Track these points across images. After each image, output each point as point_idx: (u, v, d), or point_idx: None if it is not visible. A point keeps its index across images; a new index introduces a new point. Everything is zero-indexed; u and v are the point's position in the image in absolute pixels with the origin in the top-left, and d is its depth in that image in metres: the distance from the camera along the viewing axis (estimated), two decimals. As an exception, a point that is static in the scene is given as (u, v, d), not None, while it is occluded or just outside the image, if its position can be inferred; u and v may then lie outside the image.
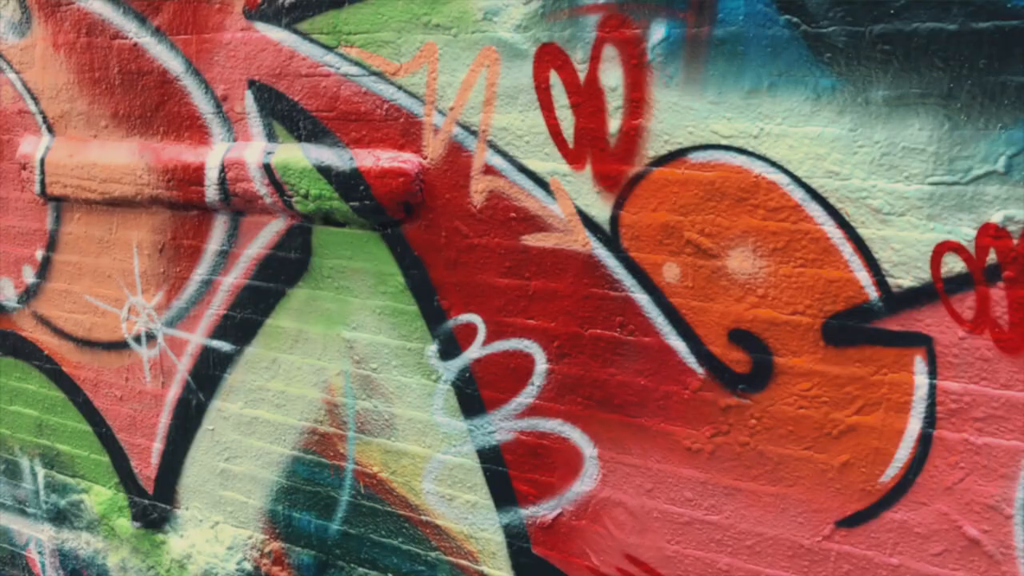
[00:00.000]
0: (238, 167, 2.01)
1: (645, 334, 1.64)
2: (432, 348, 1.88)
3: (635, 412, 1.68)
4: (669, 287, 1.60)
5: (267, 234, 2.06)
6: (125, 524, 2.48)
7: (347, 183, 1.86)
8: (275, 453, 2.17)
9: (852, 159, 1.42)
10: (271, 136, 1.99)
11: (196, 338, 2.24)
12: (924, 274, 1.39)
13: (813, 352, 1.50)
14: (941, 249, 1.38)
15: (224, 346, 2.19)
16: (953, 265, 1.37)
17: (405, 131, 1.82)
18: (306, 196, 1.93)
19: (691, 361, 1.61)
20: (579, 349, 1.71)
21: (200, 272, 2.19)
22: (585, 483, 1.76)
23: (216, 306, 2.18)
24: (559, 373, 1.74)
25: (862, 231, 1.43)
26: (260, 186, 1.99)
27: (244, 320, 2.15)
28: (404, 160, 1.81)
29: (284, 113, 1.96)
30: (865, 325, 1.45)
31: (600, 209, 1.64)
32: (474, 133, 1.74)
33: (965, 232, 1.36)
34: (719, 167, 1.52)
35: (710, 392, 1.60)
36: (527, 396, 1.79)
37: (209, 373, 2.23)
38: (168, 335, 2.28)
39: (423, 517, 1.98)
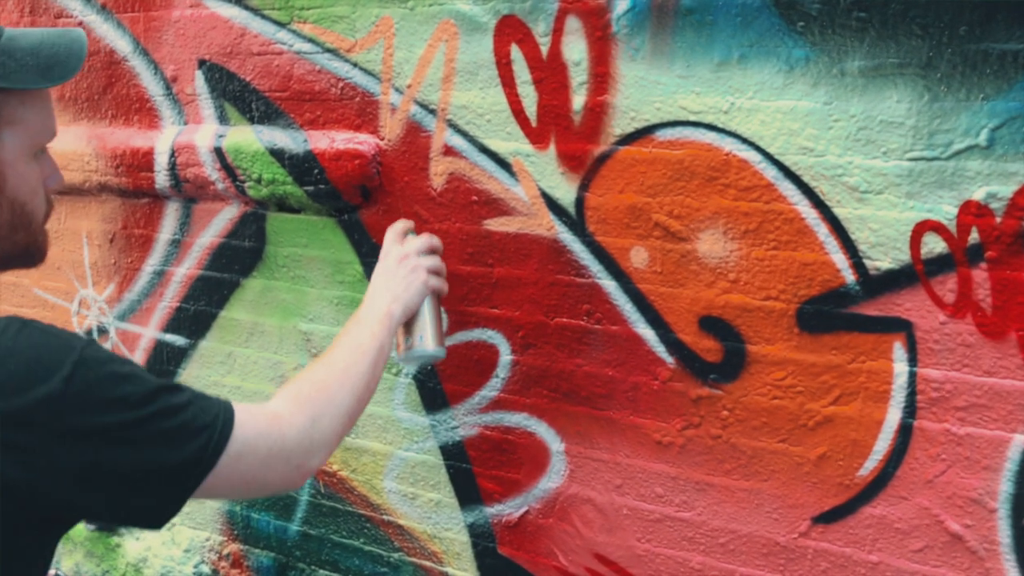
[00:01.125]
0: (188, 151, 1.91)
1: (613, 322, 1.56)
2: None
3: (603, 404, 1.60)
4: (637, 272, 1.52)
5: (220, 222, 1.96)
6: (79, 527, 2.38)
7: (301, 166, 1.77)
8: (232, 451, 2.07)
9: (827, 134, 1.34)
10: (223, 118, 1.90)
11: (149, 332, 2.14)
12: (903, 255, 1.32)
13: (787, 339, 1.42)
14: (921, 229, 1.30)
15: (178, 340, 2.10)
16: (933, 245, 1.30)
17: (361, 111, 1.73)
18: (259, 181, 1.83)
19: (660, 350, 1.53)
20: (545, 339, 1.63)
21: (152, 263, 2.09)
22: (552, 479, 1.68)
23: (169, 298, 2.08)
24: (524, 364, 1.66)
25: (838, 211, 1.35)
26: (211, 171, 1.89)
27: (198, 313, 2.05)
28: (360, 141, 1.72)
29: (236, 94, 1.87)
30: (841, 310, 1.38)
31: (565, 191, 1.56)
32: (433, 112, 1.65)
33: (946, 210, 1.28)
34: (688, 145, 1.44)
35: (680, 383, 1.52)
36: (491, 389, 1.71)
37: (163, 368, 2.14)
38: (120, 329, 2.18)
39: (385, 517, 1.90)
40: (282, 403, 1.14)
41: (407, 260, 1.42)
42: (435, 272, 1.45)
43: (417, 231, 1.71)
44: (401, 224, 1.52)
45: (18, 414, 0.90)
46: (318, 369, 1.22)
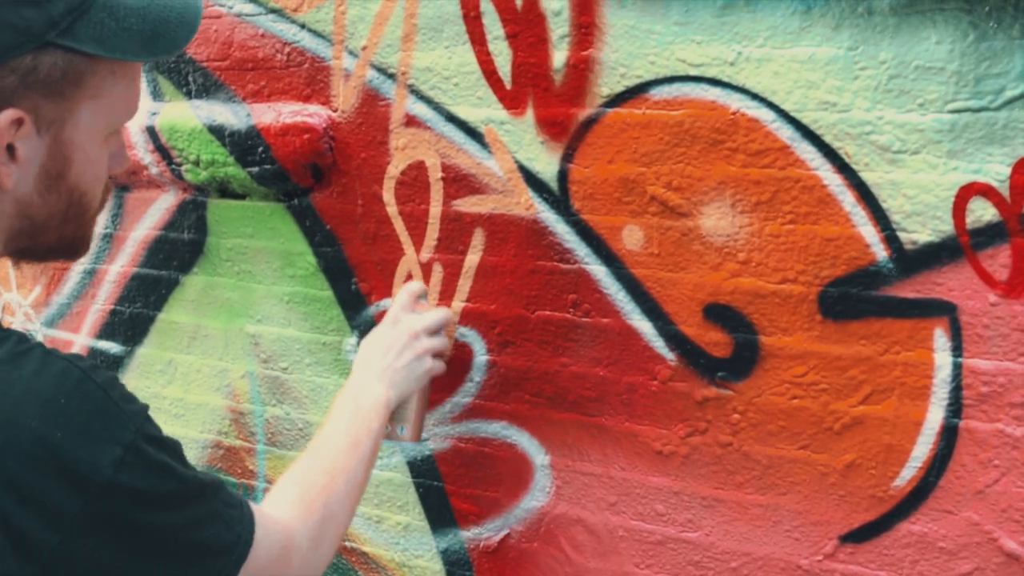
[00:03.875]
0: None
1: (603, 315, 1.35)
2: (351, 341, 1.58)
3: (593, 410, 1.39)
4: (631, 256, 1.32)
5: (155, 212, 1.74)
6: None
7: (243, 144, 1.55)
8: (175, 472, 1.84)
9: (852, 85, 1.14)
10: (156, 93, 1.68)
11: (81, 339, 1.91)
12: (945, 226, 1.12)
13: (808, 328, 1.22)
14: (966, 193, 1.11)
15: (113, 347, 1.87)
16: (981, 213, 1.10)
17: (311, 79, 1.51)
18: (197, 163, 1.61)
19: (659, 345, 1.32)
20: (525, 336, 1.42)
21: (82, 261, 1.87)
22: (536, 498, 1.46)
23: (102, 300, 1.86)
24: (502, 366, 1.45)
25: (866, 175, 1.16)
26: (144, 153, 1.67)
27: (133, 316, 1.83)
28: (310, 113, 1.50)
29: (170, 66, 1.65)
30: (872, 293, 1.18)
31: (545, 163, 1.35)
32: (392, 77, 1.44)
33: (996, 171, 1.09)
34: (688, 103, 1.24)
35: (683, 382, 1.31)
36: (465, 395, 1.49)
37: (97, 380, 1.90)
38: (49, 336, 1.95)
39: (347, 543, 1.68)
40: (295, 520, 1.04)
41: (416, 342, 1.30)
42: (439, 354, 1.35)
43: (377, 215, 1.50)
44: (416, 286, 1.37)
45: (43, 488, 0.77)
46: (321, 471, 1.13)
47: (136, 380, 1.86)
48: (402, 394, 1.29)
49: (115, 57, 0.81)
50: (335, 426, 1.20)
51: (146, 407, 0.88)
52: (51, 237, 0.87)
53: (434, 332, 1.33)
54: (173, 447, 0.88)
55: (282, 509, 1.05)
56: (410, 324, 1.30)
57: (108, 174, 0.89)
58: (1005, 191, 1.09)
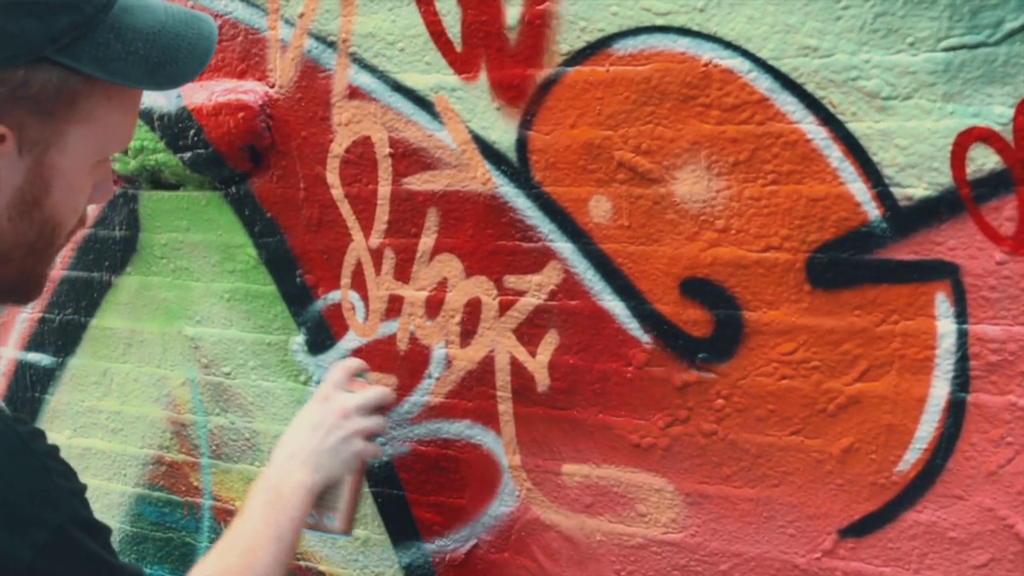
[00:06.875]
0: (40, 122, 1.56)
1: (571, 296, 1.24)
2: (298, 340, 1.45)
3: (563, 402, 1.27)
4: (599, 229, 1.20)
5: (84, 208, 1.61)
6: None
7: (174, 128, 1.43)
8: (115, 493, 1.70)
9: (835, 27, 1.04)
10: (80, 79, 1.56)
11: (8, 352, 1.77)
12: (943, 178, 1.02)
13: (796, 300, 1.11)
14: (965, 140, 1.01)
15: (43, 359, 1.73)
16: (983, 161, 1.00)
17: (245, 53, 1.39)
18: (125, 150, 1.48)
19: (633, 327, 1.20)
20: (487, 325, 1.30)
21: (7, 266, 1.72)
22: (505, 503, 1.34)
23: (29, 308, 1.72)
24: (463, 358, 1.33)
25: (854, 126, 1.05)
26: (68, 144, 1.54)
27: (64, 323, 1.69)
28: (245, 91, 1.38)
29: (94, 47, 1.53)
30: (865, 257, 1.07)
31: (502, 132, 1.24)
32: (332, 45, 1.32)
33: (998, 113, 0.99)
34: (655, 57, 1.13)
35: (660, 367, 1.20)
36: (423, 393, 1.37)
37: (27, 396, 1.76)
38: (-25, 351, 1.81)
39: (302, 562, 1.54)
40: None
41: (346, 421, 1.21)
42: (371, 435, 1.25)
43: (321, 199, 1.38)
44: (353, 363, 1.27)
45: None
46: (240, 568, 1.07)
47: (69, 394, 1.71)
48: (328, 477, 1.18)
49: (115, 81, 0.77)
50: (253, 514, 1.12)
51: (84, 487, 0.82)
52: (10, 270, 0.80)
53: (368, 412, 1.23)
54: (103, 533, 0.84)
55: None
56: (341, 402, 1.21)
57: (87, 204, 0.83)
58: (1008, 135, 0.98)
